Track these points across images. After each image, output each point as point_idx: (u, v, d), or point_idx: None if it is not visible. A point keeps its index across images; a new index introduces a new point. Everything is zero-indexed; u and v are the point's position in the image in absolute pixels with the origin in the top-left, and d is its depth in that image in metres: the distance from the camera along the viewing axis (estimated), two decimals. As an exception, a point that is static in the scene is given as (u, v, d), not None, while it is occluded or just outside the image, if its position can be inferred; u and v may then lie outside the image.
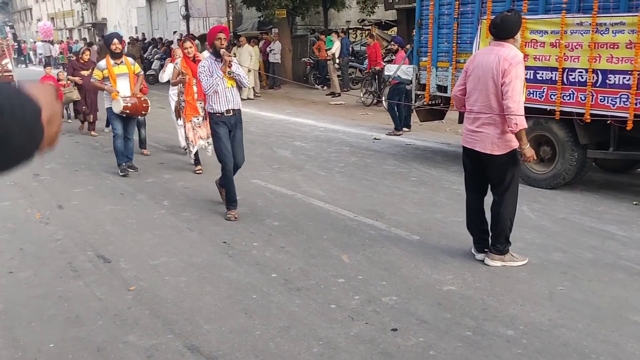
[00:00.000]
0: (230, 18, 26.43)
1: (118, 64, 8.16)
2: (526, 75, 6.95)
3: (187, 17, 27.17)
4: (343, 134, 11.30)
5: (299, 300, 4.29)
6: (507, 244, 4.86)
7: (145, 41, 28.65)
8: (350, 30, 23.10)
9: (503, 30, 4.66)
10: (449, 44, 8.11)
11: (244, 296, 4.38)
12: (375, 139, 10.77)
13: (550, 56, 6.71)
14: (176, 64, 8.07)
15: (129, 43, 24.96)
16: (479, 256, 4.96)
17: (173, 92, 8.71)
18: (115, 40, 8.16)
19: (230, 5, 25.64)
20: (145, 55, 24.78)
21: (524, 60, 4.76)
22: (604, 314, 4.03)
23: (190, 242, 5.54)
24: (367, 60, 15.87)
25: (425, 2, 8.42)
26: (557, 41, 6.61)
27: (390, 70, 10.77)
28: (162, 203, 6.80)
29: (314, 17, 24.28)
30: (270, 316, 4.07)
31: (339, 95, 17.22)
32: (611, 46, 6.20)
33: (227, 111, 6.09)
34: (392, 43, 12.38)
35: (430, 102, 8.83)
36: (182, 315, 4.10)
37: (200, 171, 8.22)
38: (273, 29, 21.22)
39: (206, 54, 7.85)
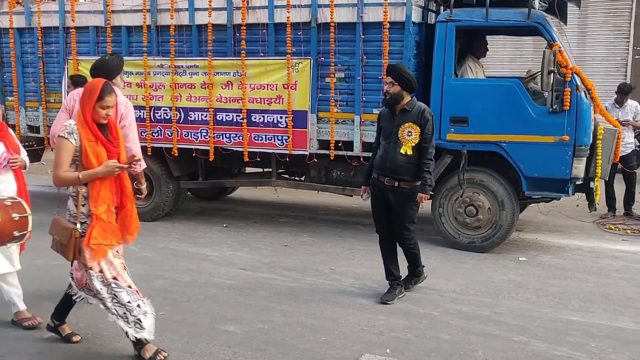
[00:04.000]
0: None
1: None
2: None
3: None
4: None
5: None
6: None
7: None
8: None
9: (104, 74, 4.74)
10: (37, 83, 7.83)
11: None
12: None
13: (137, 95, 7.09)
14: (69, 134, 3.67)
15: None
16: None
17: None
18: None
19: None
20: None
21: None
22: (199, 330, 4.44)
23: None
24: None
25: (4, 40, 7.96)
26: (142, 82, 7.03)
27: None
28: None
29: None
30: None
31: None
32: (189, 86, 6.89)
33: None
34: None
35: (23, 144, 8.36)
36: None
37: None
38: None
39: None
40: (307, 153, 6.65)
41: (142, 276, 5.52)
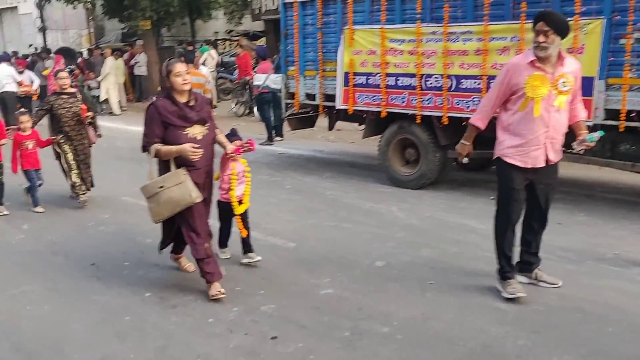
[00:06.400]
0: (91, 30, 25.32)
1: None
2: (387, 82, 7.30)
3: (43, 30, 25.65)
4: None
5: (175, 318, 4.17)
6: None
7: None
8: (218, 41, 22.91)
9: None
10: (315, 53, 8.27)
11: (115, 319, 4.18)
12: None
13: (409, 63, 7.06)
14: None
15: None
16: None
17: None
18: None
19: (90, 17, 24.53)
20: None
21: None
22: (469, 303, 4.27)
23: (54, 267, 5.21)
24: (237, 71, 15.85)
25: (289, 13, 8.53)
26: (414, 49, 6.97)
27: (259, 80, 10.79)
28: (21, 227, 6.35)
29: (181, 28, 23.81)
30: (145, 337, 3.92)
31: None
32: (462, 53, 6.63)
33: None
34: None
35: (300, 110, 8.97)
36: (47, 346, 3.84)
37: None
38: (138, 41, 20.56)
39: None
40: (591, 124, 5.96)
41: (409, 244, 5.54)
